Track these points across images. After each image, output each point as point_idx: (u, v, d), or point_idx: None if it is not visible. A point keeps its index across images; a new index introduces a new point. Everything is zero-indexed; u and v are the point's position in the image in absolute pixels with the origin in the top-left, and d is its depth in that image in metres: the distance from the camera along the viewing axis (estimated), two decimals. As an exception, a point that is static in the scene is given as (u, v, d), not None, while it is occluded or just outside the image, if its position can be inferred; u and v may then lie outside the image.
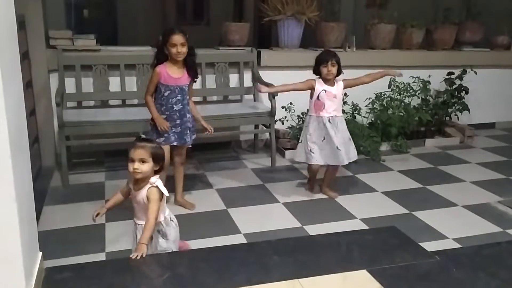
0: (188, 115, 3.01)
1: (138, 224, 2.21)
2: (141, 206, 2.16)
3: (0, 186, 1.64)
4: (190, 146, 3.12)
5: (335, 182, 3.52)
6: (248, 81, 4.34)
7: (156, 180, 2.13)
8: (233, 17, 4.70)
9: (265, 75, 4.24)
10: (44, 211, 3.06)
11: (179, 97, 2.93)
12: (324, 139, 3.20)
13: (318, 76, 3.22)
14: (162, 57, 2.92)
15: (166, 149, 2.96)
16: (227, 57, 4.29)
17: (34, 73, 3.67)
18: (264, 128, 4.11)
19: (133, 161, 2.08)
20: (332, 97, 3.18)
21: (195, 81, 3.06)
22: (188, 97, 3.00)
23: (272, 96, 3.90)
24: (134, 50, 4.20)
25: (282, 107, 4.20)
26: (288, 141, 4.31)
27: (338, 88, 3.22)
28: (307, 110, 3.36)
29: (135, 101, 4.08)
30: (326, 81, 3.19)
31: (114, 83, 3.93)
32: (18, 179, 1.72)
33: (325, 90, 3.17)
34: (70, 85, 3.81)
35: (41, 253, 2.07)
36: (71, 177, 3.55)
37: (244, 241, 2.74)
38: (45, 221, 2.91)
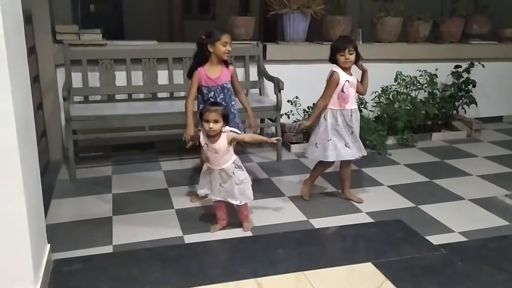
0: (234, 111, 3.01)
1: (219, 169, 2.59)
2: (222, 152, 2.56)
3: (9, 179, 1.67)
4: None
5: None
6: (254, 75, 4.33)
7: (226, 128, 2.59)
8: (238, 11, 4.66)
9: (270, 69, 4.24)
10: (52, 205, 3.09)
11: (221, 96, 2.95)
12: (339, 133, 3.00)
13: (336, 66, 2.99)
14: (202, 58, 2.94)
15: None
16: (232, 51, 4.18)
17: (41, 67, 3.69)
18: (270, 122, 4.11)
19: (208, 121, 2.50)
20: (353, 87, 2.99)
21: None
22: (231, 95, 3.00)
23: (278, 90, 3.89)
24: (140, 44, 4.21)
25: (288, 101, 4.20)
26: (294, 135, 4.31)
27: (355, 77, 3.02)
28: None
29: (141, 96, 4.10)
30: (344, 69, 2.96)
31: (120, 78, 3.94)
32: (26, 171, 1.74)
33: (348, 81, 2.95)
34: (76, 79, 3.83)
35: (49, 245, 2.10)
36: (79, 171, 3.58)
37: (250, 234, 2.75)
38: (53, 214, 2.94)
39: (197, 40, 2.98)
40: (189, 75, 3.00)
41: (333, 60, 3.00)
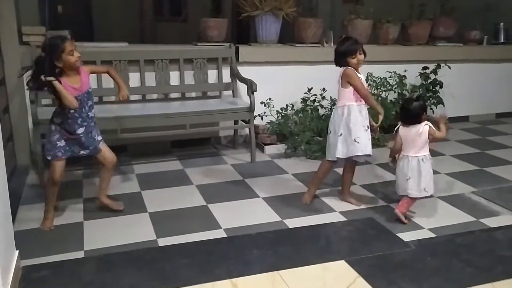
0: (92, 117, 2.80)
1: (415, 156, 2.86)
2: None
3: (-26, 184, 1.62)
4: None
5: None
6: (226, 77, 4.33)
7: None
8: (210, 13, 4.66)
9: (243, 71, 4.25)
10: (20, 210, 3.00)
11: (90, 103, 2.75)
12: (367, 128, 3.08)
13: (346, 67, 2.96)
14: (49, 72, 2.54)
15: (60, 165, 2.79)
16: (205, 53, 4.28)
17: (7, 70, 3.59)
18: (244, 123, 4.12)
19: None
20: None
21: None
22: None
23: (251, 91, 3.91)
24: (110, 46, 4.15)
25: (261, 103, 4.22)
26: (268, 137, 4.33)
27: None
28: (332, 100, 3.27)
29: (113, 98, 4.03)
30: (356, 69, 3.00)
31: (91, 80, 3.86)
32: (-8, 176, 1.69)
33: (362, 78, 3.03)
34: (45, 82, 3.74)
35: (17, 251, 2.04)
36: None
37: (225, 236, 2.75)
38: (21, 220, 2.85)
39: (34, 59, 2.61)
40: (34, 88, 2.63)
41: (342, 63, 2.95)
